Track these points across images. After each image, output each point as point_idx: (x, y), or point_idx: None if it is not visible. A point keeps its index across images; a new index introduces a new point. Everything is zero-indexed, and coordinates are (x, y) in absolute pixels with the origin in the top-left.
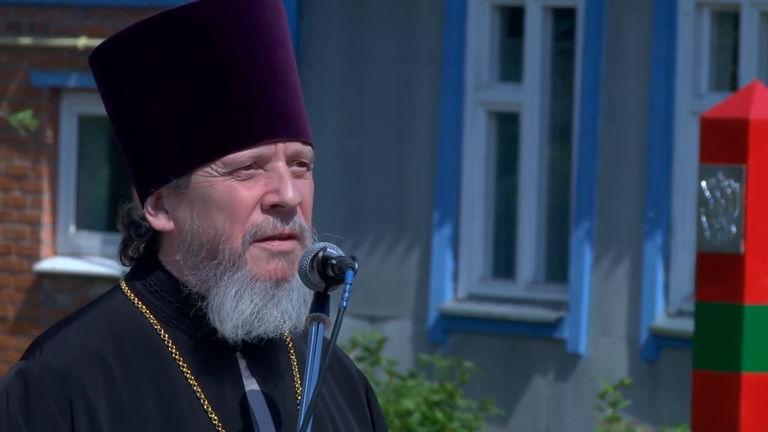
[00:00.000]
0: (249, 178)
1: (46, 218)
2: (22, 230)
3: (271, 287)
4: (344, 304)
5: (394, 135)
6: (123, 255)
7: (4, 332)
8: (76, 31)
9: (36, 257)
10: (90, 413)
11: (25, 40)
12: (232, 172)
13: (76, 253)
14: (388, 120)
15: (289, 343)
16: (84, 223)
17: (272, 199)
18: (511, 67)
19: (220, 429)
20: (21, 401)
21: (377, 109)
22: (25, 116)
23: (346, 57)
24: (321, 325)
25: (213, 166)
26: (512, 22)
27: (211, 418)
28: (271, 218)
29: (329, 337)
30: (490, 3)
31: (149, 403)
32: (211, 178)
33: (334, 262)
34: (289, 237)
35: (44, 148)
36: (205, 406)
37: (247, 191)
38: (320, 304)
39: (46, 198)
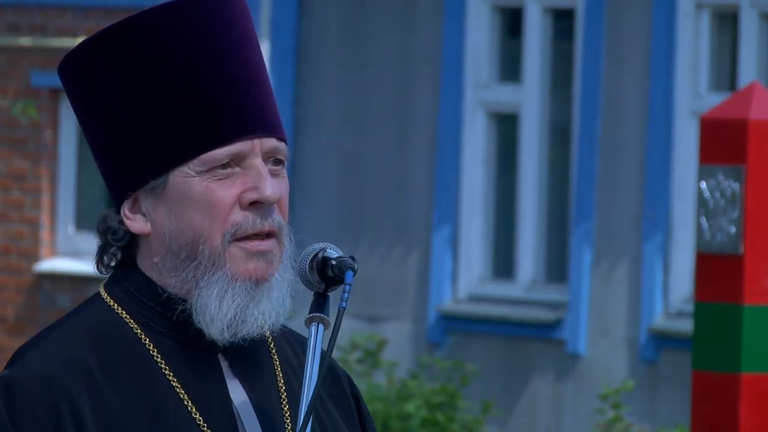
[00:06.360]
0: (226, 177)
1: (45, 219)
2: (22, 231)
3: (251, 287)
4: (343, 305)
5: (393, 135)
6: (100, 263)
7: (4, 333)
8: (75, 31)
9: (35, 258)
10: (76, 419)
11: (25, 41)
12: (209, 170)
13: (75, 254)
14: (388, 120)
15: (270, 343)
16: (83, 223)
17: (251, 196)
18: (510, 68)
19: (205, 430)
20: (7, 409)
21: (376, 110)
22: (27, 106)
23: (345, 57)
24: (320, 325)
25: (190, 165)
26: (512, 23)
27: (195, 419)
28: (250, 215)
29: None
30: (489, 3)
31: (134, 409)
32: (188, 179)
33: (334, 262)
34: (268, 235)
35: (44, 148)
36: (190, 408)
37: (226, 190)
38: (320, 304)
39: (45, 198)
